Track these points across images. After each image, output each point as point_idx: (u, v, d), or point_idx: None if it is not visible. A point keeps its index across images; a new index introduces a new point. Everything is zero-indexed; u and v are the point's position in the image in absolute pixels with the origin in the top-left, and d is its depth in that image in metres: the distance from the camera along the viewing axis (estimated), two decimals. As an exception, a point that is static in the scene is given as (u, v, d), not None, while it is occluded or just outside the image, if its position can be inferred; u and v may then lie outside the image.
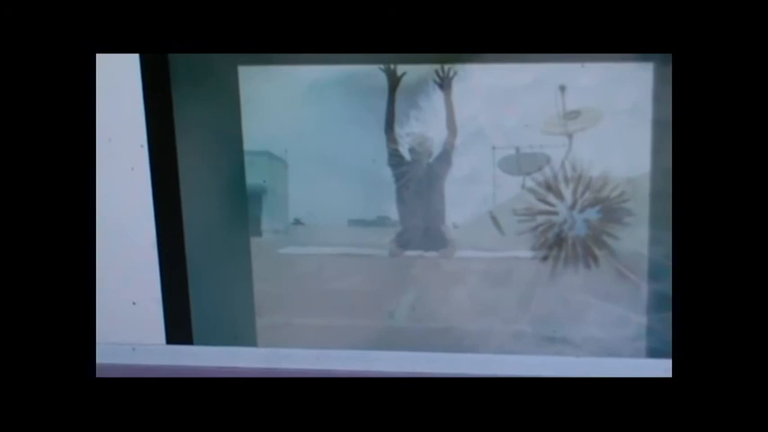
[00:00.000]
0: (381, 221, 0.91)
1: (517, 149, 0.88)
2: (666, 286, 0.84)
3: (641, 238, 0.87)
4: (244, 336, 0.95)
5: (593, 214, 0.89)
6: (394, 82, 0.88)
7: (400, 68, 0.88)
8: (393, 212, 0.91)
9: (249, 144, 0.91)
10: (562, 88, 0.86)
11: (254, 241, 0.93)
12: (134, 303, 0.91)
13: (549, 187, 0.89)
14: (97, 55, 0.73)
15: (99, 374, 0.68)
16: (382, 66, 0.88)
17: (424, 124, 0.89)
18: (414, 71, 0.88)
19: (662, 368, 0.79)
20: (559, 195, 0.89)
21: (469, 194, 0.90)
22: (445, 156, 0.90)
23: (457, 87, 0.88)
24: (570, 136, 0.87)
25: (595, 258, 0.90)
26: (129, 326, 0.90)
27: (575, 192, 0.89)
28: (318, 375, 0.83)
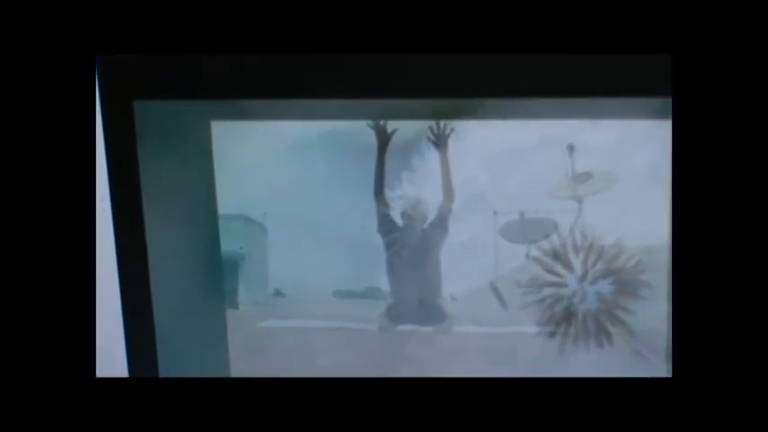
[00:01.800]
0: (371, 293, 0.83)
1: (521, 215, 0.80)
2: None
3: (660, 314, 0.79)
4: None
5: (605, 286, 0.81)
6: (384, 140, 0.80)
7: (391, 125, 0.79)
8: (384, 283, 0.83)
9: (224, 207, 0.82)
10: (571, 148, 0.78)
11: (230, 314, 0.84)
12: (98, 383, 0.84)
13: (556, 256, 0.81)
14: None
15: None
16: (371, 122, 0.79)
17: (418, 187, 0.81)
18: (406, 128, 0.80)
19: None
20: (568, 265, 0.81)
21: (468, 264, 0.82)
22: (441, 221, 0.81)
23: (454, 146, 0.79)
24: (580, 200, 0.79)
25: (608, 335, 0.82)
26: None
27: (585, 262, 0.81)
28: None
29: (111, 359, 0.83)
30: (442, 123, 0.79)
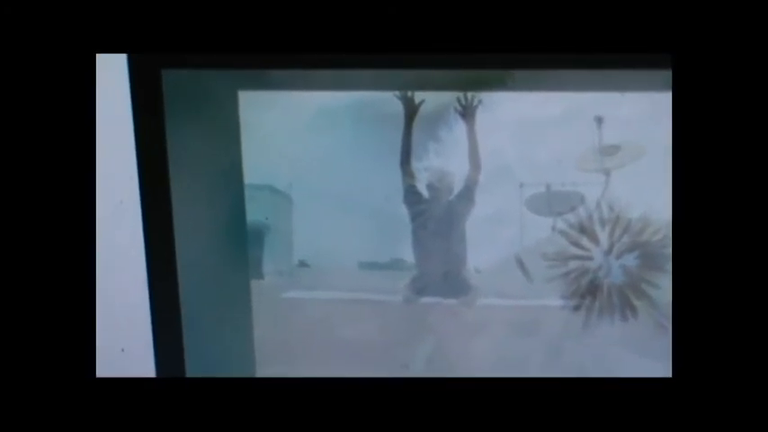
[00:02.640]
0: (395, 264, 0.83)
1: (548, 187, 0.80)
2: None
3: (685, 288, 0.79)
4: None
5: (631, 260, 0.81)
6: (411, 111, 0.80)
7: (418, 96, 0.79)
8: (408, 255, 0.83)
9: (250, 177, 0.82)
10: (599, 120, 0.78)
11: (254, 284, 0.84)
12: (123, 350, 0.85)
13: (582, 229, 0.81)
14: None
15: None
16: (398, 92, 0.79)
17: (445, 158, 0.81)
18: (433, 99, 0.80)
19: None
20: (594, 239, 0.81)
21: (494, 236, 0.81)
22: (467, 193, 0.81)
23: (481, 117, 0.79)
24: (607, 173, 0.79)
25: (633, 309, 0.82)
26: (116, 375, 0.82)
27: (611, 235, 0.81)
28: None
29: (136, 327, 0.84)
30: (469, 95, 0.79)
